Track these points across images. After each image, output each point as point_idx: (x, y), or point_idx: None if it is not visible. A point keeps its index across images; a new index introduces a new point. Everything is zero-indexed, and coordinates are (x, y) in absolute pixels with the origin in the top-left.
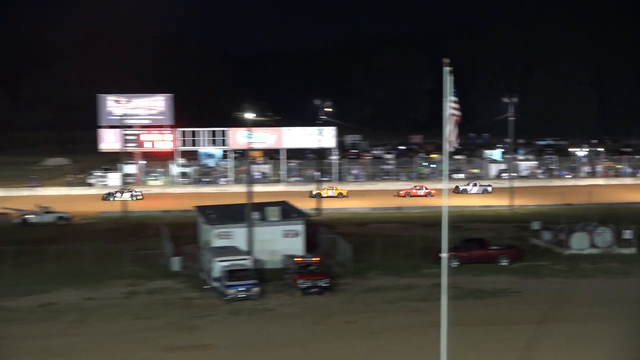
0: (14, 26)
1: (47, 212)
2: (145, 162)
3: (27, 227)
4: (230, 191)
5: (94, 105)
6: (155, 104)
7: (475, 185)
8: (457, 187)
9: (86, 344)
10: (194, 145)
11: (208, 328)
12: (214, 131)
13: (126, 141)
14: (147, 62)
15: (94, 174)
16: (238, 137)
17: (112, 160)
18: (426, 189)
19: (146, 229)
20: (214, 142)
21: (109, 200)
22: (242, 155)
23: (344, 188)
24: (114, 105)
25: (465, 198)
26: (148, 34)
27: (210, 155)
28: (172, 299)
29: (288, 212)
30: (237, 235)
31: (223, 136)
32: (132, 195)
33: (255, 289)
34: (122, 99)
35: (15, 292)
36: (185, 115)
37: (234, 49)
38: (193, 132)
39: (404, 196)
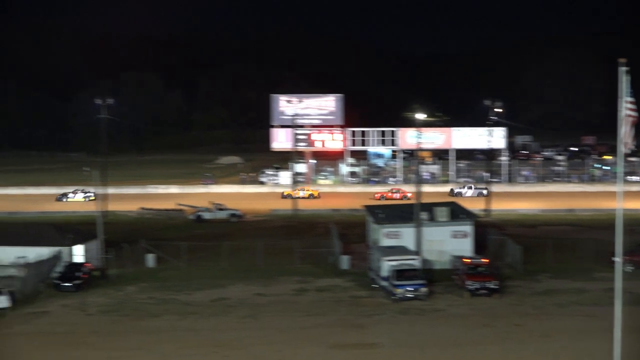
0: (191, 28)
1: (220, 209)
2: (315, 161)
3: (201, 224)
4: None
5: (267, 105)
6: (326, 104)
7: (470, 188)
8: (451, 189)
9: (257, 339)
10: (363, 145)
11: (376, 327)
12: (383, 131)
13: (297, 140)
14: (317, 63)
15: (266, 172)
16: (407, 137)
17: (284, 159)
18: (402, 192)
19: (316, 227)
20: (383, 142)
21: (62, 201)
22: (411, 155)
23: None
24: (286, 105)
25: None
26: (320, 36)
27: (380, 155)
28: (340, 297)
29: (457, 212)
30: (405, 235)
31: (392, 136)
32: (85, 197)
33: (424, 289)
34: (294, 99)
35: (190, 286)
36: (354, 115)
37: (404, 50)
38: (363, 132)
39: (380, 199)
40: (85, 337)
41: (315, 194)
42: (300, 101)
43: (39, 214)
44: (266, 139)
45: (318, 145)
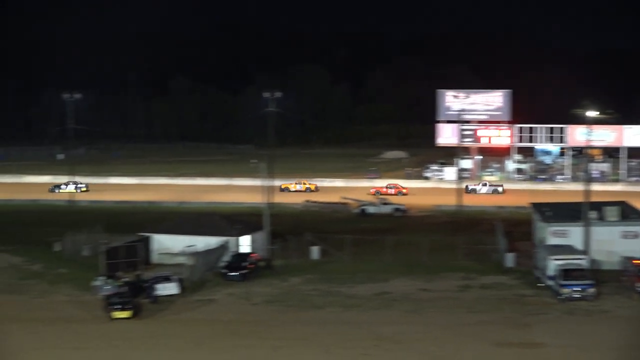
0: (359, 24)
1: (385, 204)
2: (481, 157)
3: (366, 218)
4: (566, 189)
5: (433, 100)
6: (493, 100)
7: (485, 185)
8: (466, 186)
9: (419, 334)
10: (530, 141)
11: (540, 326)
12: (551, 128)
13: (463, 136)
14: (484, 57)
15: (431, 167)
16: (577, 135)
17: (449, 155)
18: (397, 187)
19: (480, 224)
20: (551, 139)
21: (54, 192)
22: (580, 153)
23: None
24: (453, 100)
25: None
26: (487, 32)
27: (547, 152)
28: (505, 295)
29: (627, 212)
30: (572, 234)
31: (561, 133)
32: (76, 188)
33: (591, 290)
34: (461, 94)
35: (353, 279)
36: (521, 111)
37: (572, 45)
38: (530, 128)
39: (375, 194)
40: (250, 326)
41: (312, 187)
42: (467, 97)
43: (207, 204)
44: (431, 135)
45: (484, 142)
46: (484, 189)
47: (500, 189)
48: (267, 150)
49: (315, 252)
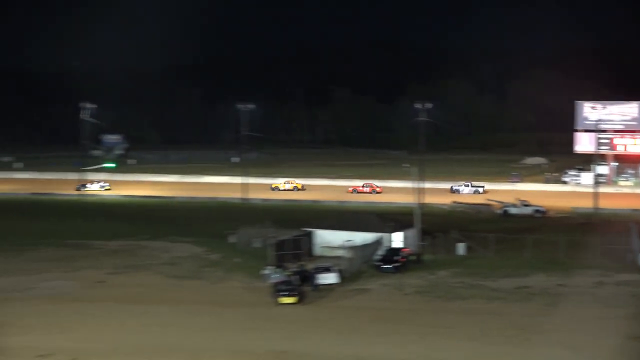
0: (499, 40)
1: (526, 205)
2: (616, 164)
3: (507, 218)
4: None
5: (571, 110)
6: (629, 111)
7: (467, 186)
8: (451, 187)
9: (556, 325)
10: None
11: None
12: None
13: (599, 144)
14: (618, 71)
15: (569, 173)
16: None
17: (585, 161)
18: (372, 186)
19: (615, 225)
20: None
21: (80, 190)
22: None
23: None
24: (590, 111)
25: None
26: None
27: None
28: (639, 292)
29: None
30: None
31: None
32: (101, 186)
33: None
34: (598, 105)
35: (496, 274)
36: None
37: None
38: None
39: (352, 192)
40: (401, 314)
41: (299, 186)
42: (603, 107)
43: (363, 203)
44: (569, 142)
45: (620, 149)
46: (467, 190)
47: (480, 189)
48: (418, 156)
49: (461, 248)
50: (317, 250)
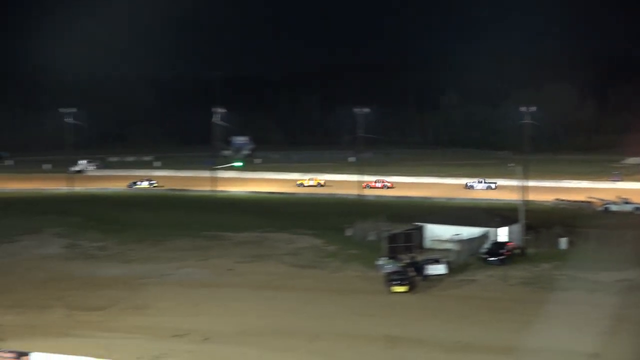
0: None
1: (626, 203)
2: None
3: (608, 215)
4: None
5: None
6: None
7: (480, 182)
8: (466, 184)
9: None
10: None
11: None
12: None
13: None
14: None
15: None
16: None
17: None
18: (384, 182)
19: None
20: None
21: (132, 187)
22: None
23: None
24: None
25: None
26: None
27: None
28: None
29: None
30: None
31: None
32: (150, 184)
33: None
34: None
35: (596, 267)
36: None
37: None
38: None
39: (365, 188)
40: (506, 303)
41: (323, 182)
42: None
43: (470, 200)
44: None
45: None
46: (480, 186)
47: (493, 185)
48: (522, 156)
49: (563, 242)
50: (427, 243)
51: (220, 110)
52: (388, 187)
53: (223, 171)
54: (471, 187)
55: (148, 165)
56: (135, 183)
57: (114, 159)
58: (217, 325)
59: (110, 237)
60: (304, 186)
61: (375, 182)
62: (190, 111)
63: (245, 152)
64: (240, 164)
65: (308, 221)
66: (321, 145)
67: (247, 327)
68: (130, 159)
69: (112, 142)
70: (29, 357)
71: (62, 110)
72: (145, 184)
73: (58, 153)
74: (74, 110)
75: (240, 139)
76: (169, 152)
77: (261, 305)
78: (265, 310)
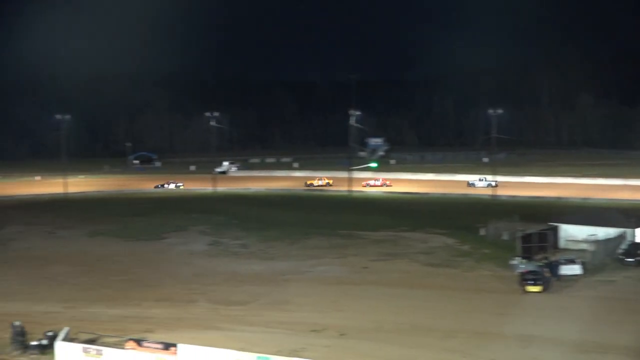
0: None
1: None
2: None
3: None
4: None
5: None
6: None
7: (482, 180)
8: (468, 182)
9: None
10: None
11: None
12: None
13: None
14: None
15: None
16: None
17: None
18: (382, 180)
19: None
20: None
21: (161, 188)
22: None
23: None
24: None
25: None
26: None
27: None
28: None
29: None
30: None
31: None
32: (176, 186)
33: None
34: None
35: None
36: None
37: None
38: None
39: (365, 186)
40: None
41: (331, 182)
42: None
43: (607, 200)
44: None
45: None
46: (481, 184)
47: (494, 183)
48: None
49: None
50: (562, 244)
51: (356, 112)
52: (387, 186)
53: (359, 172)
54: (472, 184)
55: (287, 166)
56: (162, 185)
57: (255, 160)
58: (353, 321)
59: (251, 235)
60: (314, 186)
61: (373, 180)
62: (328, 114)
63: (380, 153)
64: (375, 164)
65: (441, 220)
66: (455, 146)
67: (383, 323)
68: (271, 160)
69: (254, 145)
70: (176, 348)
71: (207, 114)
72: (172, 186)
73: (203, 155)
74: (217, 114)
75: (375, 140)
76: (307, 153)
77: (395, 302)
78: (399, 308)
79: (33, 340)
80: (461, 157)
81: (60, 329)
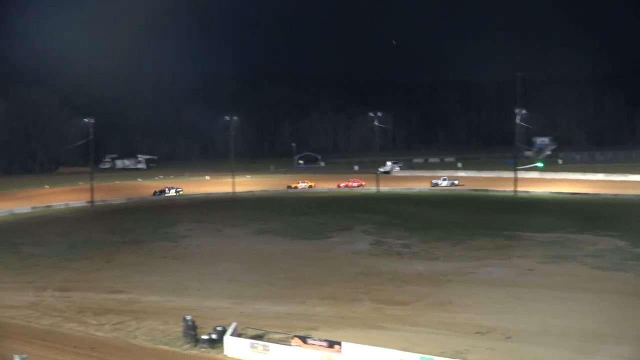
0: None
1: None
2: None
3: None
4: None
5: None
6: None
7: (445, 180)
8: (431, 181)
9: None
10: None
11: None
12: None
13: None
14: None
15: None
16: None
17: None
18: (358, 181)
19: None
20: None
21: (161, 195)
22: None
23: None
24: None
25: None
26: None
27: None
28: None
29: None
30: None
31: None
32: (176, 191)
33: None
34: None
35: None
36: None
37: None
38: None
39: (343, 187)
40: None
41: (313, 185)
42: None
43: None
44: None
45: None
46: (444, 183)
47: (456, 182)
48: None
49: None
50: None
51: (522, 110)
52: (362, 186)
53: (524, 172)
54: (436, 184)
55: (451, 166)
56: (163, 191)
57: (419, 160)
58: (518, 324)
59: (414, 235)
60: (294, 189)
61: (351, 180)
62: (493, 113)
63: (547, 152)
64: (541, 164)
65: (612, 222)
66: (627, 145)
67: (549, 327)
68: (434, 160)
69: (417, 144)
70: (340, 346)
71: (370, 114)
72: (172, 192)
73: (366, 155)
74: (380, 114)
75: (542, 140)
76: (471, 153)
77: (562, 306)
78: (566, 311)
79: (203, 334)
80: (635, 156)
81: (229, 324)
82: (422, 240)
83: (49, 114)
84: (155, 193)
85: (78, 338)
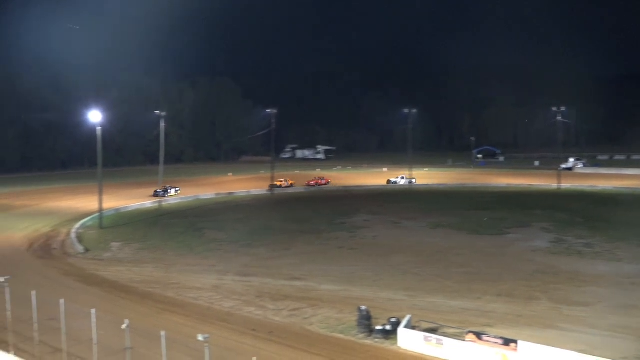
0: None
1: None
2: None
3: None
4: None
5: None
6: None
7: (403, 178)
8: (388, 180)
9: None
10: None
11: None
12: None
13: None
14: None
15: None
16: None
17: None
18: (324, 179)
19: None
20: None
21: (160, 195)
22: None
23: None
24: None
25: None
26: None
27: None
28: None
29: None
30: None
31: None
32: (175, 191)
33: None
34: None
35: None
36: None
37: None
38: None
39: (314, 186)
40: None
41: (294, 182)
42: None
43: None
44: None
45: None
46: (403, 181)
47: (414, 180)
48: None
49: None
50: None
51: None
52: (327, 184)
53: None
54: (394, 182)
55: (638, 164)
56: (162, 191)
57: (604, 157)
58: None
59: (597, 235)
60: (277, 187)
61: (319, 178)
62: None
63: None
64: None
65: None
66: None
67: None
68: (620, 157)
69: (603, 141)
70: (517, 344)
71: (553, 109)
72: (172, 192)
73: (547, 150)
74: (564, 109)
75: None
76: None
77: None
78: None
79: (377, 324)
80: None
81: (403, 316)
82: (605, 240)
83: (233, 104)
84: (155, 193)
85: (257, 321)
